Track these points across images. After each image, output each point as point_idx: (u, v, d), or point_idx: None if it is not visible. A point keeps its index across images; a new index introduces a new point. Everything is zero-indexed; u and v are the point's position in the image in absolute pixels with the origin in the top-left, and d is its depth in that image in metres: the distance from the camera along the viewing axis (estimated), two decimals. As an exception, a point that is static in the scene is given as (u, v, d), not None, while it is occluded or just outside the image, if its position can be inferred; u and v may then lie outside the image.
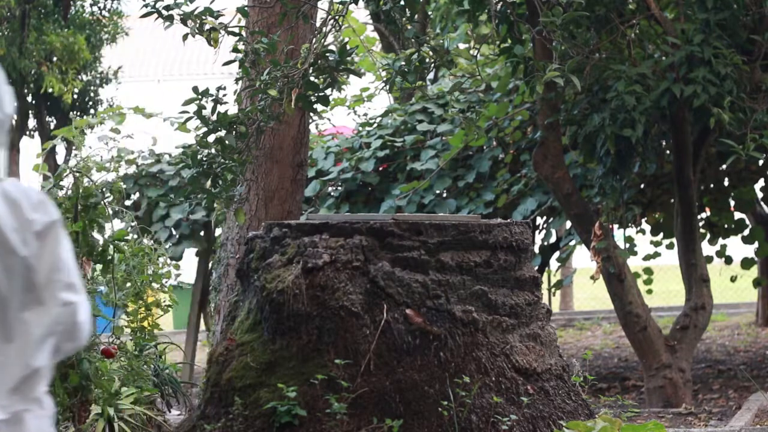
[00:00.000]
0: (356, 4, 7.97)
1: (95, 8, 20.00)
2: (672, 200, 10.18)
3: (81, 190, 6.10)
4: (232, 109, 7.07)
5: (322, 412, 4.99)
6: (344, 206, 11.02)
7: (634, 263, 9.93)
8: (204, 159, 6.89)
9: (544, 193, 10.22)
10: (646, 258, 11.24)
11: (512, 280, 5.38)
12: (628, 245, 9.74)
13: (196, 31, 6.90)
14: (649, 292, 11.11)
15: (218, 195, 6.88)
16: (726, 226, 11.32)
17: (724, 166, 10.45)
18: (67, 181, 6.22)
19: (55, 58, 18.80)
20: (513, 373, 5.22)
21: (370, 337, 5.08)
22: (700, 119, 8.51)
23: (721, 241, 11.48)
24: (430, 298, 5.16)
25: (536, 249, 10.90)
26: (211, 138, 6.90)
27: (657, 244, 11.52)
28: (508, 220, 5.59)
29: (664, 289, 17.77)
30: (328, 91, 7.01)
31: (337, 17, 7.25)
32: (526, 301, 5.39)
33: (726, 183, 11.13)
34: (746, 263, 11.61)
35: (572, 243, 10.61)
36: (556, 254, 11.20)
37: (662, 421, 7.35)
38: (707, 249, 10.45)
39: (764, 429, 6.61)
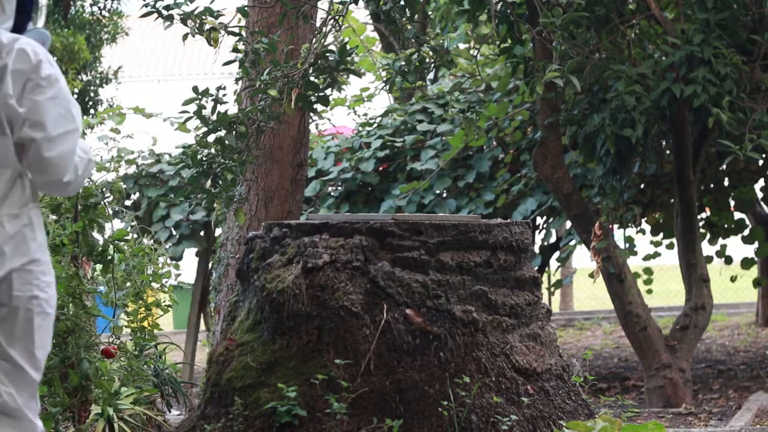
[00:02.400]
0: (356, 4, 7.97)
1: (95, 8, 20.00)
2: (672, 200, 10.18)
3: (81, 190, 6.10)
4: (232, 109, 7.07)
5: (322, 412, 4.99)
6: (344, 206, 11.03)
7: (634, 263, 9.93)
8: (204, 159, 6.89)
9: (544, 193, 10.22)
10: (646, 258, 11.24)
11: (512, 280, 5.38)
12: (628, 245, 9.74)
13: (196, 31, 6.90)
14: (649, 292, 11.12)
15: (218, 195, 6.88)
16: (726, 226, 11.32)
17: (723, 166, 10.46)
18: (67, 181, 6.20)
19: (55, 58, 18.79)
20: (513, 373, 5.22)
21: (370, 337, 5.08)
22: (700, 119, 8.51)
23: (721, 241, 11.48)
24: (430, 298, 5.16)
25: (536, 249, 10.90)
26: (211, 138, 6.90)
27: (657, 244, 11.53)
28: (508, 220, 5.59)
29: (664, 289, 17.77)
30: (328, 91, 7.02)
31: (337, 17, 7.25)
32: (526, 301, 5.39)
33: (726, 183, 11.13)
34: (746, 263, 11.62)
35: (572, 243, 10.61)
36: (556, 254, 11.20)
37: (662, 421, 7.35)
38: (707, 249, 10.46)
39: (764, 429, 6.61)
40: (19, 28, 4.01)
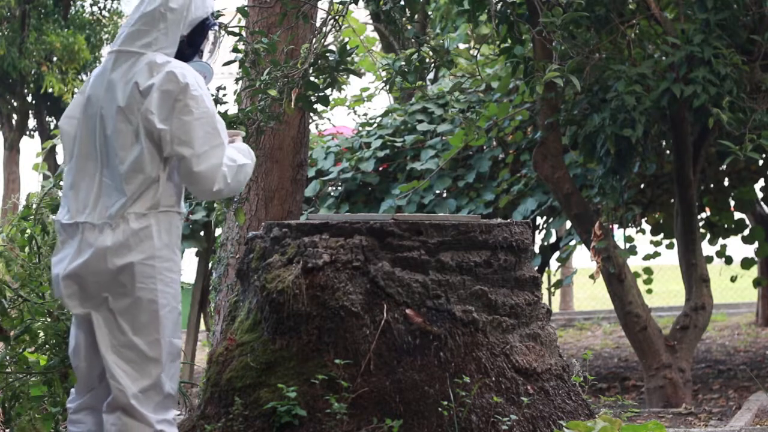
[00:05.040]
0: (356, 4, 7.97)
1: (95, 8, 20.00)
2: (672, 200, 10.18)
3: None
4: (232, 109, 7.07)
5: (322, 412, 4.99)
6: (344, 206, 11.03)
7: (634, 263, 9.93)
8: (204, 159, 6.87)
9: (544, 193, 10.22)
10: (646, 258, 11.24)
11: (512, 280, 5.38)
12: (628, 245, 9.74)
13: (196, 31, 6.88)
14: (649, 292, 11.12)
15: (218, 195, 6.86)
16: (726, 226, 11.32)
17: (723, 166, 10.46)
18: (67, 181, 6.21)
19: (55, 58, 18.81)
20: (513, 373, 5.22)
21: (370, 337, 5.08)
22: (700, 119, 8.51)
23: (721, 241, 11.49)
24: (430, 298, 5.16)
25: (536, 249, 10.90)
26: (211, 138, 6.88)
27: (657, 244, 11.53)
28: (508, 220, 5.59)
29: (664, 289, 17.79)
30: (328, 91, 7.02)
31: (337, 17, 7.25)
32: (526, 301, 5.39)
33: (726, 183, 11.14)
34: (746, 263, 11.62)
35: (572, 243, 10.61)
36: (556, 254, 11.20)
37: (662, 421, 7.36)
38: (707, 249, 10.46)
39: (764, 429, 6.61)
40: (185, 58, 4.48)
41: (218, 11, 6.91)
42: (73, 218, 4.38)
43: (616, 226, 9.41)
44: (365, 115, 12.42)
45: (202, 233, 12.07)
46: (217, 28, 4.61)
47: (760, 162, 10.72)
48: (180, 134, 4.27)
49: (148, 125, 4.27)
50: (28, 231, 5.98)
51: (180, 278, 4.43)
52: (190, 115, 4.28)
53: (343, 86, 7.50)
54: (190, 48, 4.52)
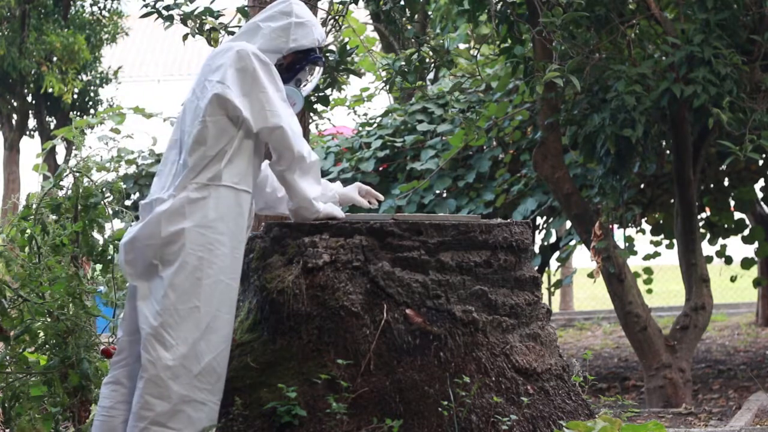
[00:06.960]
0: (356, 4, 7.97)
1: (95, 8, 20.00)
2: (672, 200, 10.19)
3: (81, 190, 6.10)
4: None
5: (322, 412, 4.99)
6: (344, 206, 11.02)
7: (634, 263, 9.94)
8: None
9: (544, 193, 10.22)
10: (646, 258, 11.25)
11: (512, 280, 5.38)
12: (628, 245, 9.75)
13: (196, 31, 6.91)
14: (649, 292, 11.13)
15: (218, 195, 6.85)
16: (726, 226, 11.33)
17: (724, 166, 10.47)
18: (67, 181, 6.22)
19: (55, 58, 18.81)
20: (513, 373, 5.22)
21: (370, 337, 5.07)
22: (700, 119, 8.52)
23: (721, 241, 11.50)
24: (430, 298, 5.16)
25: (536, 249, 10.90)
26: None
27: (657, 244, 11.54)
28: (508, 220, 5.59)
29: (664, 289, 17.80)
30: (328, 91, 7.02)
31: (337, 17, 7.26)
32: (526, 301, 5.39)
33: (726, 183, 11.14)
34: (746, 263, 11.62)
35: (572, 243, 10.62)
36: (556, 254, 11.20)
37: (662, 421, 7.35)
38: (707, 249, 10.46)
39: (764, 429, 6.61)
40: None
41: (218, 11, 6.91)
42: (149, 197, 4.63)
43: (616, 226, 9.42)
44: (365, 115, 12.42)
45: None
46: (321, 62, 4.83)
47: (760, 162, 10.72)
48: (269, 107, 4.52)
49: (220, 100, 4.50)
50: (28, 231, 5.98)
51: (239, 256, 4.58)
52: (270, 89, 4.53)
53: (343, 86, 7.50)
54: (287, 73, 4.76)
